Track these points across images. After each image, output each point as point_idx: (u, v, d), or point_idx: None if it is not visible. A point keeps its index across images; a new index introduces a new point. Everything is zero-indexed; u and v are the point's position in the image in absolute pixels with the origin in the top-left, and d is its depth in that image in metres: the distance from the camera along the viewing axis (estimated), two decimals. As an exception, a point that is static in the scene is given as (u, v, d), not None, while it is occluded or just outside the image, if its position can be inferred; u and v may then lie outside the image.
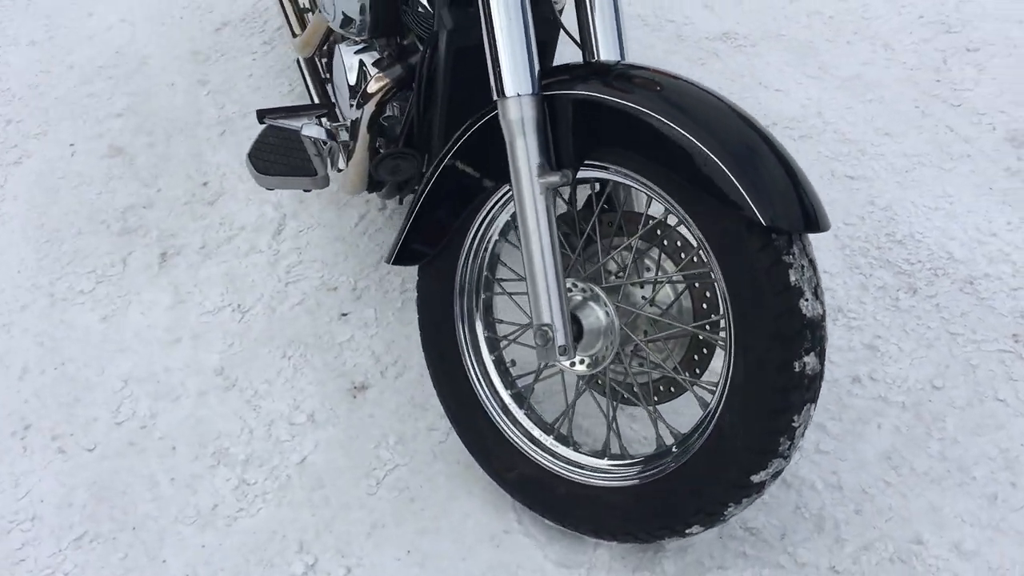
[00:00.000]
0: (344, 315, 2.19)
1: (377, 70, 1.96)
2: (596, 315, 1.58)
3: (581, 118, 1.46)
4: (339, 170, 2.06)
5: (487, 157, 1.60)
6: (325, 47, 2.39)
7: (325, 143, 2.08)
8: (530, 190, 1.47)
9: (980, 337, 1.95)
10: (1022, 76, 2.62)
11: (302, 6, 2.64)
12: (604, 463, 1.63)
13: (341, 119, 2.05)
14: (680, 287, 1.57)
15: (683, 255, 1.55)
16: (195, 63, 3.15)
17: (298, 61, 2.56)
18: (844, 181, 2.36)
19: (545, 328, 1.50)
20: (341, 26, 1.88)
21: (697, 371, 1.59)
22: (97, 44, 3.31)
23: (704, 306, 1.56)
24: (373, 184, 2.05)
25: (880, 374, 1.90)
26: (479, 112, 1.60)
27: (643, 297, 1.61)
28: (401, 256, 1.73)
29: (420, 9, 1.79)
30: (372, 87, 1.90)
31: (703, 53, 2.88)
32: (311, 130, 1.99)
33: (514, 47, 1.45)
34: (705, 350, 1.58)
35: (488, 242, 1.72)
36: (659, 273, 1.60)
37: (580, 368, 1.62)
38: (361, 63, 2.02)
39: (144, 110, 2.95)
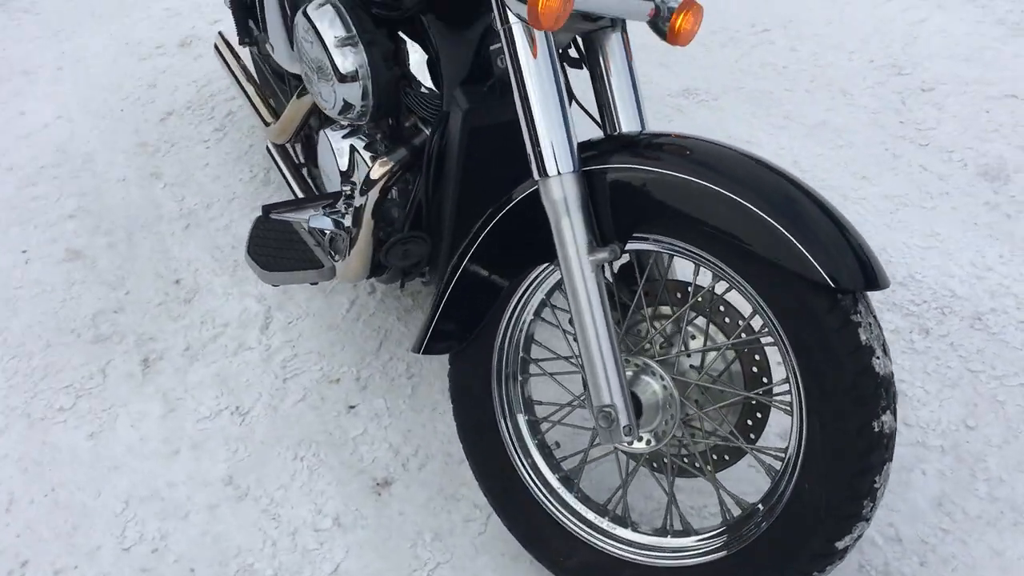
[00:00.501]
0: (352, 407, 2.09)
1: (371, 153, 1.90)
2: (652, 389, 1.53)
3: (623, 191, 1.42)
4: (341, 259, 1.98)
5: (520, 238, 1.55)
6: (300, 132, 2.32)
7: (325, 233, 2.00)
8: (580, 269, 1.42)
9: (1000, 373, 1.96)
10: (980, 111, 2.70)
11: (266, 94, 2.57)
12: (675, 541, 1.57)
13: (343, 208, 1.98)
14: (731, 354, 1.54)
15: (727, 320, 1.52)
16: (144, 156, 3.03)
17: (268, 148, 2.48)
18: (832, 227, 2.39)
19: (607, 409, 1.44)
20: (340, 112, 1.82)
21: (752, 436, 1.55)
22: (35, 143, 3.16)
23: (754, 369, 1.53)
24: (375, 269, 1.98)
25: (913, 419, 1.89)
26: (498, 190, 1.56)
27: (691, 366, 1.57)
28: (431, 345, 1.66)
29: (424, 90, 1.74)
30: (376, 172, 1.84)
31: (668, 110, 2.89)
32: (319, 222, 1.90)
33: (553, 126, 1.41)
34: (759, 414, 1.54)
35: (523, 324, 1.66)
36: (707, 341, 1.56)
37: (639, 446, 1.56)
38: (352, 148, 1.97)
39: (97, 209, 2.81)
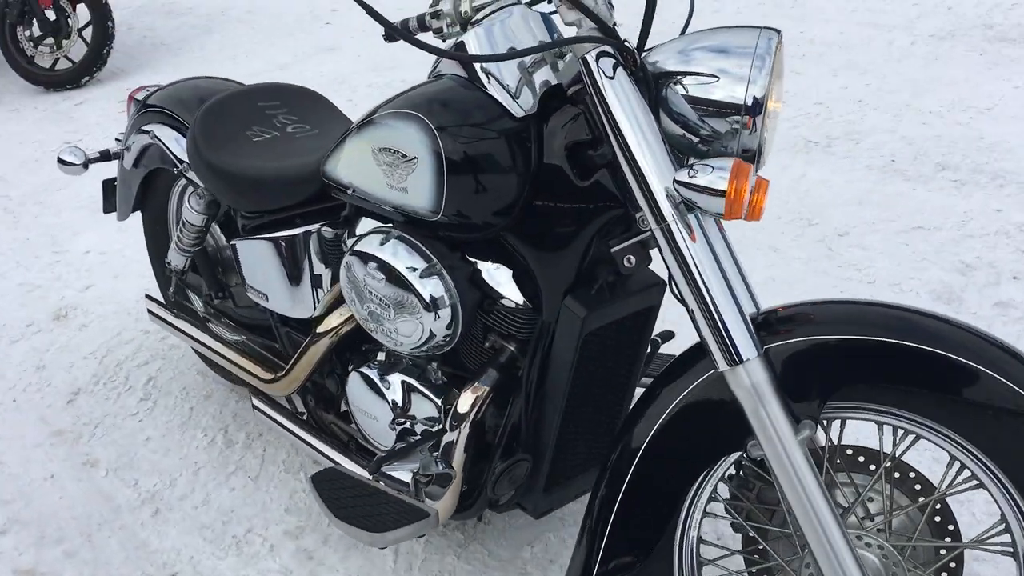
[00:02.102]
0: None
1: (432, 385, 1.79)
2: (870, 560, 1.47)
3: (810, 364, 1.41)
4: (434, 500, 1.80)
5: (698, 434, 1.48)
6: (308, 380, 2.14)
7: (406, 481, 1.81)
8: (790, 454, 1.37)
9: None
10: (899, 245, 2.92)
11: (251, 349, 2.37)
12: None
13: (423, 448, 1.81)
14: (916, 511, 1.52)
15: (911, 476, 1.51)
16: (66, 445, 2.67)
17: (256, 407, 2.26)
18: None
19: None
20: (422, 344, 1.70)
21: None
22: (-79, 458, 2.71)
23: (937, 519, 1.52)
24: (467, 504, 1.82)
25: None
26: (602, 393, 1.51)
27: (878, 529, 1.53)
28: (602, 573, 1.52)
29: (512, 306, 1.67)
30: (465, 403, 1.72)
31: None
32: (403, 468, 1.73)
33: (731, 312, 1.39)
34: (953, 564, 1.53)
35: (694, 526, 1.56)
36: (890, 501, 1.53)
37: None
38: (406, 383, 1.84)
39: (33, 517, 2.42)
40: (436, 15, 1.62)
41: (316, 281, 2.04)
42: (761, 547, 1.59)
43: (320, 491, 1.80)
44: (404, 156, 1.60)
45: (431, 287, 1.65)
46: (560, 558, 2.06)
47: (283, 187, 2.02)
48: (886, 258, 2.88)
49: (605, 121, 1.41)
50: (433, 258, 1.67)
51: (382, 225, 1.80)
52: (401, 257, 1.68)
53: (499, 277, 1.68)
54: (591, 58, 1.42)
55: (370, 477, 1.86)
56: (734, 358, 1.37)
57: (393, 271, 1.68)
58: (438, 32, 1.64)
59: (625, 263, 1.51)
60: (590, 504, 1.57)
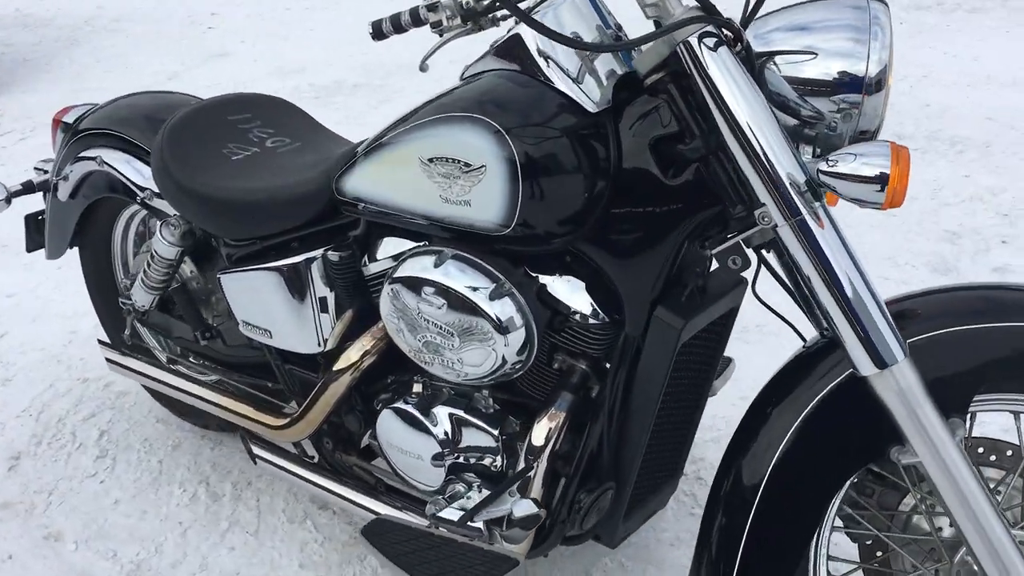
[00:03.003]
0: None
1: (475, 418, 1.63)
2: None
3: (956, 357, 1.31)
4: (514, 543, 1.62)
5: (821, 457, 1.36)
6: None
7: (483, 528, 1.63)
8: (949, 457, 1.26)
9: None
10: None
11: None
12: None
13: (493, 487, 1.63)
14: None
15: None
16: (18, 519, 2.35)
17: (255, 457, 2.02)
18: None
19: None
20: (492, 372, 1.52)
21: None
22: None
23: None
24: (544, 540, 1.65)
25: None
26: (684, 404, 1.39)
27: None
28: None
29: (589, 320, 1.50)
30: (540, 433, 1.56)
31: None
32: (522, 507, 1.54)
33: (875, 311, 1.27)
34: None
35: (827, 545, 1.44)
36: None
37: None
38: (454, 417, 1.67)
39: (-1, 606, 2.12)
40: (433, 7, 1.44)
41: (323, 312, 1.82)
42: (883, 555, 1.48)
43: (379, 547, 1.59)
44: (468, 165, 1.41)
45: (502, 309, 1.47)
46: (623, 584, 1.92)
47: (280, 210, 1.80)
48: (875, 232, 2.84)
49: (716, 110, 1.27)
50: (500, 276, 1.49)
51: (426, 245, 1.60)
52: (463, 278, 1.49)
53: (570, 291, 1.51)
54: (694, 41, 1.26)
55: (425, 523, 1.66)
56: (882, 360, 1.25)
57: (456, 295, 1.49)
58: (436, 26, 1.46)
59: (731, 264, 1.37)
60: (706, 536, 1.43)
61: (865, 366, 1.26)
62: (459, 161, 1.42)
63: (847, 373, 1.33)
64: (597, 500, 1.57)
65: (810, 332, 1.46)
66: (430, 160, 1.46)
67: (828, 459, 1.35)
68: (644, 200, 1.42)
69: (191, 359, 2.35)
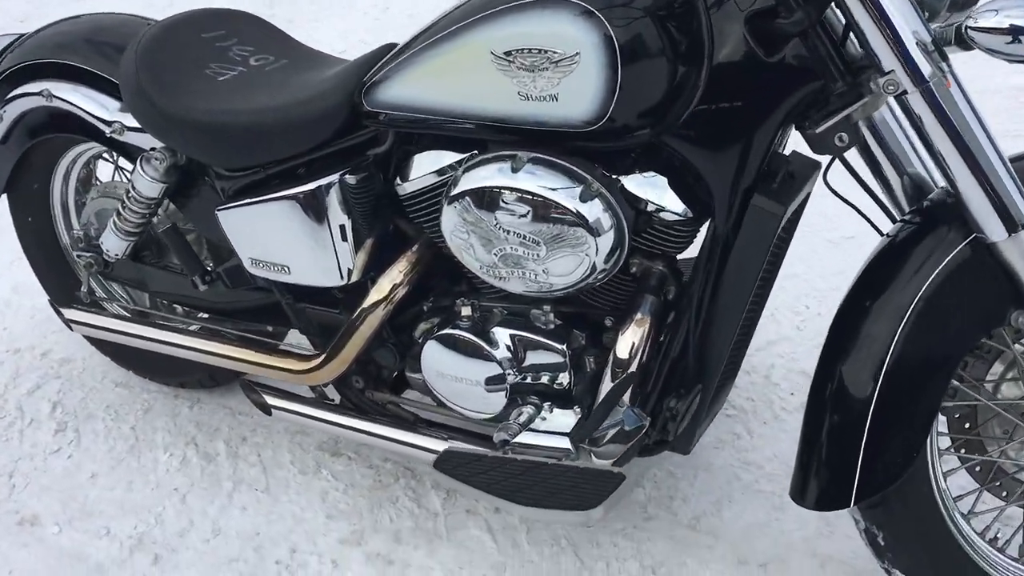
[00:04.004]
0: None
1: (538, 336, 1.55)
2: None
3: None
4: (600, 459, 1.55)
5: (944, 332, 1.34)
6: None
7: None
8: None
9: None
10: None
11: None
12: None
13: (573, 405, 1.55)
14: None
15: None
16: (-20, 507, 2.11)
17: (265, 406, 1.86)
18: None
19: None
20: (581, 280, 1.43)
21: None
22: None
23: None
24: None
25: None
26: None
27: None
28: (864, 491, 1.37)
29: (674, 216, 1.43)
30: (627, 342, 1.49)
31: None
32: (631, 419, 1.45)
33: (1004, 174, 1.25)
34: None
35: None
36: None
37: None
38: (515, 337, 1.58)
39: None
40: None
41: (344, 241, 1.67)
42: (974, 427, 1.49)
43: (464, 479, 1.50)
44: (556, 55, 1.30)
45: (594, 210, 1.38)
46: (678, 492, 1.88)
47: (294, 131, 1.63)
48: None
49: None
50: (586, 176, 1.39)
51: (478, 153, 1.48)
52: (548, 181, 1.39)
53: (652, 187, 1.43)
54: None
55: (497, 450, 1.57)
56: (1014, 223, 1.24)
57: (544, 200, 1.38)
58: None
59: (837, 142, 1.32)
60: (814, 440, 1.40)
61: (996, 231, 1.25)
62: (546, 51, 1.30)
63: (959, 248, 1.30)
64: (690, 405, 1.52)
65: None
66: (506, 53, 1.33)
67: (950, 336, 1.33)
68: (740, 81, 1.34)
69: (168, 310, 2.14)
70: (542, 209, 1.38)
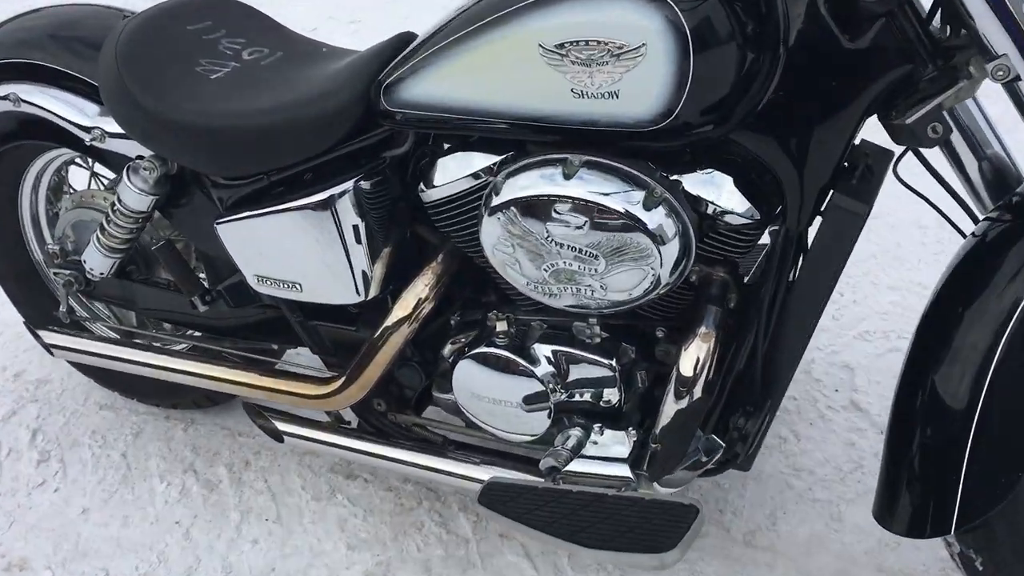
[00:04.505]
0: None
1: (585, 351, 1.42)
2: None
3: None
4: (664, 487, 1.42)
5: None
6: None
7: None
8: None
9: None
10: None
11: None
12: None
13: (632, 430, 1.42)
14: None
15: None
16: (-39, 552, 1.93)
17: (280, 434, 1.71)
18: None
19: None
20: (648, 291, 1.29)
21: None
22: None
23: None
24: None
25: None
26: None
27: None
28: (968, 513, 1.24)
29: (740, 220, 1.28)
30: (691, 357, 1.35)
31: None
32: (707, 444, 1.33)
33: None
34: None
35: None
36: None
37: None
38: (559, 353, 1.44)
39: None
40: None
41: (362, 253, 1.51)
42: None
43: (517, 517, 1.35)
44: (619, 46, 1.14)
45: (659, 218, 1.23)
46: (728, 505, 1.76)
47: (304, 134, 1.47)
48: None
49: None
50: (648, 180, 1.24)
51: (516, 155, 1.33)
52: (607, 187, 1.24)
53: (716, 188, 1.28)
54: None
55: (545, 479, 1.43)
56: None
57: (603, 209, 1.23)
58: None
59: (930, 133, 1.19)
60: (900, 446, 1.27)
61: None
62: (606, 42, 1.14)
63: None
64: (761, 424, 1.39)
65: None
66: (558, 46, 1.17)
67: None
68: (819, 68, 1.20)
69: (158, 327, 1.96)
70: (600, 219, 1.24)
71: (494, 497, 1.40)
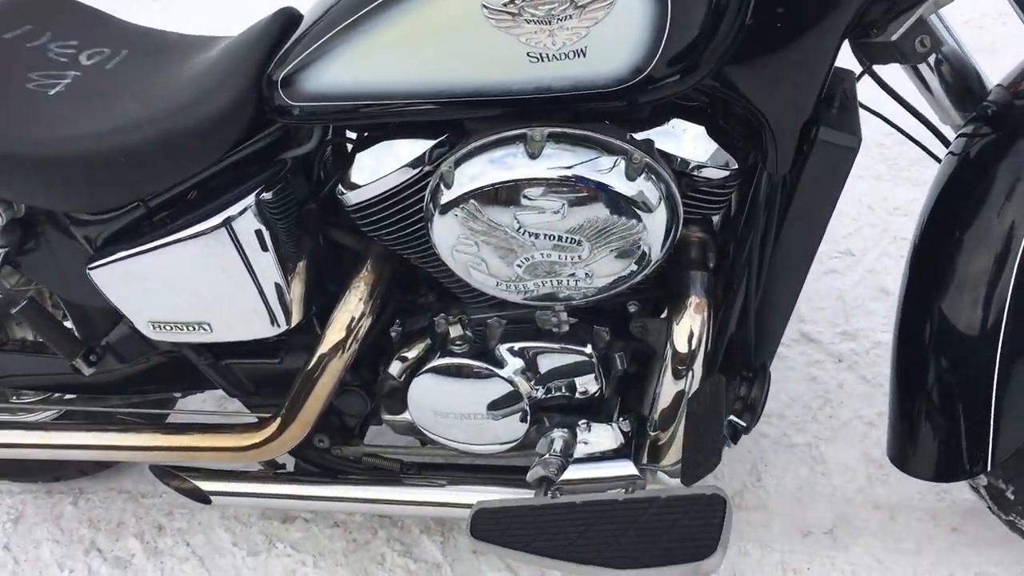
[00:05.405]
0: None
1: (555, 343, 1.29)
2: None
3: None
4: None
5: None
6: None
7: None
8: None
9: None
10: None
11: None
12: None
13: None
14: None
15: None
16: None
17: (205, 495, 1.48)
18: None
19: None
20: (635, 272, 1.14)
21: None
22: None
23: None
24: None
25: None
26: None
27: None
28: (1000, 453, 1.18)
29: (721, 170, 1.15)
30: (684, 330, 1.23)
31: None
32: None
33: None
34: None
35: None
36: None
37: None
38: (527, 350, 1.30)
39: None
40: None
41: (274, 277, 1.30)
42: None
43: (519, 547, 1.19)
44: (581, -3, 0.96)
45: (643, 185, 1.07)
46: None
47: (175, 152, 1.22)
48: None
49: None
50: (625, 146, 1.08)
51: (451, 136, 1.14)
52: (582, 161, 1.06)
53: (691, 140, 1.14)
54: None
55: (541, 494, 1.27)
56: None
57: (581, 186, 1.06)
58: None
59: (918, 47, 1.08)
60: (912, 386, 1.20)
61: None
62: (568, -6, 0.96)
63: None
64: (764, 387, 1.28)
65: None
66: (508, 3, 0.98)
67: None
68: (792, -5, 1.06)
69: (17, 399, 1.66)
70: (579, 198, 1.06)
71: (488, 527, 1.22)
